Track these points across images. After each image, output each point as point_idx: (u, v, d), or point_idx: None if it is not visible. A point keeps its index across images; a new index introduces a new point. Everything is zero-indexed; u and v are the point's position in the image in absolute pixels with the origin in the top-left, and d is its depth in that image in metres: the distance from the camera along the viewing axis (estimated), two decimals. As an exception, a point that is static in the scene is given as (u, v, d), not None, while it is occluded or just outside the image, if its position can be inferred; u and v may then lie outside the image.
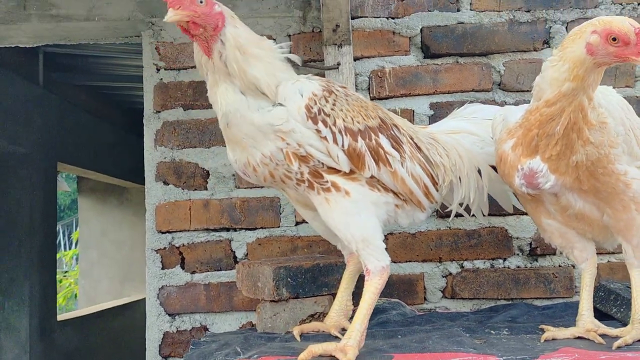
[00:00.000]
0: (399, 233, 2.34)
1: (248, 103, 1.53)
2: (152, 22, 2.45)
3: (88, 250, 8.35)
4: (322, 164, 1.55)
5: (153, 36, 2.44)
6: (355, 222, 1.56)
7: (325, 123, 1.54)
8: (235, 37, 1.53)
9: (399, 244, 2.35)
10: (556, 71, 1.44)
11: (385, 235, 2.30)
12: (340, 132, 1.56)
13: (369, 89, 2.39)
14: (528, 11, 2.38)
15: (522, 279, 2.31)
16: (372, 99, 2.39)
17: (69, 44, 2.70)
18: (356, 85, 2.39)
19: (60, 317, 6.60)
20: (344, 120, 1.57)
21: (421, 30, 2.39)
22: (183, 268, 2.38)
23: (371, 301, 1.54)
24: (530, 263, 2.33)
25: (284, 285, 1.92)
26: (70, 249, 14.12)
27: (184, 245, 2.38)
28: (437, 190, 1.73)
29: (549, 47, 2.36)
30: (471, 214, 1.90)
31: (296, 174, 1.55)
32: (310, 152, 1.53)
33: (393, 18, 2.41)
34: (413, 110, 2.38)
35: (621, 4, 2.36)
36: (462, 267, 2.33)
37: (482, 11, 2.39)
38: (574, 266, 2.29)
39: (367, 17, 2.40)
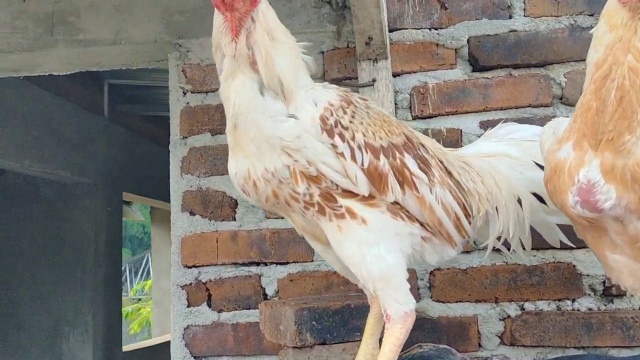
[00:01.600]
0: (448, 269, 2.06)
1: (265, 104, 1.30)
2: (179, 44, 2.32)
3: (160, 279, 8.40)
4: (337, 185, 1.33)
5: (180, 58, 2.31)
6: (373, 255, 1.32)
7: (342, 137, 1.31)
8: (267, 17, 1.31)
9: (448, 281, 2.07)
10: (596, 31, 1.25)
11: (431, 272, 2.05)
12: (359, 147, 1.33)
13: (410, 107, 2.15)
14: (591, 15, 2.08)
15: (595, 324, 1.97)
16: (414, 118, 2.15)
17: (102, 70, 2.61)
18: (396, 104, 2.16)
19: (125, 347, 6.59)
20: (364, 134, 1.34)
21: (468, 40, 2.14)
22: (209, 306, 2.19)
23: (391, 355, 1.29)
24: (605, 305, 1.98)
25: (308, 330, 1.69)
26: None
27: (210, 280, 2.20)
28: (470, 223, 1.47)
29: (619, 53, 2.05)
30: (510, 250, 1.61)
31: (304, 195, 1.33)
32: (323, 171, 1.31)
33: (436, 29, 2.17)
34: (461, 130, 2.12)
35: None
36: (522, 308, 2.02)
37: (538, 17, 2.11)
38: (656, 308, 1.93)
39: (406, 28, 2.18)
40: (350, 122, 1.34)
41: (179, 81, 2.31)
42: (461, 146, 2.09)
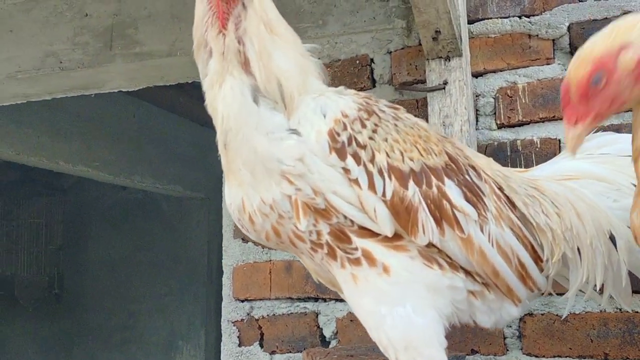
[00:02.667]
0: (543, 315, 1.64)
1: (259, 117, 1.02)
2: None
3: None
4: (351, 221, 1.01)
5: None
6: (397, 316, 0.99)
7: (357, 158, 1.00)
8: (263, 3, 1.06)
9: (543, 330, 1.64)
10: None
11: (521, 318, 1.65)
12: (381, 172, 1.00)
13: (494, 113, 1.76)
14: None
15: None
16: (499, 127, 1.75)
17: (169, 84, 2.46)
18: (477, 110, 1.77)
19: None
20: (387, 154, 1.02)
21: (569, 28, 1.72)
22: (262, 346, 1.93)
23: None
24: None
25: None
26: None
27: (263, 317, 1.94)
28: (542, 270, 1.08)
29: None
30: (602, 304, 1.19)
31: (310, 234, 1.03)
32: (333, 203, 1.00)
33: (528, 16, 1.76)
34: (559, 140, 1.69)
35: None
36: (641, 370, 1.55)
37: (662, -8, 1.64)
38: None
39: (490, 18, 1.79)
40: (370, 138, 1.02)
41: (234, 93, 2.08)
42: (560, 160, 1.67)
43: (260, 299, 1.94)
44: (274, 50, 1.03)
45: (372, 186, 0.99)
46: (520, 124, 1.73)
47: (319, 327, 1.87)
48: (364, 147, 1.00)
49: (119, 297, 5.77)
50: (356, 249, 1.01)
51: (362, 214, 1.00)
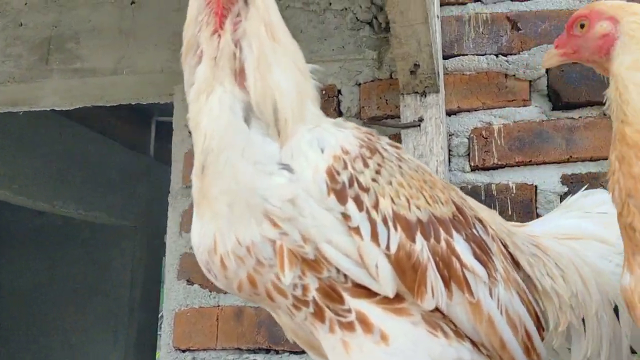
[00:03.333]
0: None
1: (248, 141, 0.88)
2: (187, 74, 1.92)
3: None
4: (345, 276, 0.85)
5: (187, 91, 1.91)
6: (396, 396, 0.83)
7: (359, 203, 0.85)
8: (267, 3, 0.93)
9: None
10: None
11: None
12: (385, 220, 0.86)
13: (468, 154, 1.66)
14: None
15: None
16: (473, 170, 1.65)
17: (107, 105, 2.24)
18: (450, 150, 1.67)
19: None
20: (392, 200, 0.87)
21: (547, 70, 1.64)
22: (204, 404, 1.72)
23: None
24: None
25: None
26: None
27: (208, 370, 1.73)
28: (543, 339, 0.96)
29: None
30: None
31: (294, 288, 0.86)
32: (326, 254, 0.85)
33: (505, 55, 1.68)
34: (536, 187, 1.60)
35: None
36: None
37: (643, 39, 1.59)
38: None
39: (466, 54, 1.70)
40: (374, 180, 0.87)
41: (184, 118, 1.89)
42: (536, 208, 1.58)
43: (205, 350, 1.74)
44: (274, 61, 0.89)
45: (375, 237, 0.84)
46: (495, 167, 1.64)
47: (270, 382, 1.68)
48: (366, 190, 0.85)
49: (30, 329, 5.33)
50: (349, 310, 0.85)
51: (361, 268, 0.85)
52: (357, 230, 0.84)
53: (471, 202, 1.02)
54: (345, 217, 0.84)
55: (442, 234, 0.88)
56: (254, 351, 1.71)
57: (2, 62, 2.09)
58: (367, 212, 0.85)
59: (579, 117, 1.61)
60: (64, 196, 4.50)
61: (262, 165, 0.86)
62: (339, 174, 0.85)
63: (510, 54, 1.68)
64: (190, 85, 0.94)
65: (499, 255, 0.95)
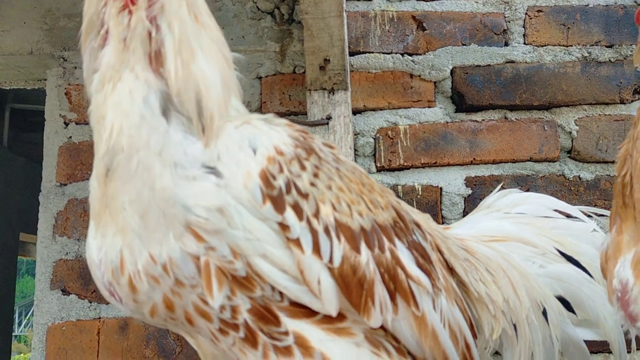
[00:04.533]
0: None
1: (167, 140, 0.73)
2: (64, 57, 1.70)
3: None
4: (281, 294, 0.74)
5: (63, 76, 1.69)
6: None
7: (299, 211, 0.74)
8: None
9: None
10: None
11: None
12: (327, 230, 0.75)
13: (374, 155, 1.61)
14: (610, 46, 1.62)
15: None
16: (379, 170, 1.60)
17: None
18: (355, 150, 1.61)
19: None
20: (334, 207, 0.77)
21: (452, 71, 1.63)
22: None
23: None
24: None
25: None
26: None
27: (87, 391, 1.54)
28: (477, 347, 0.93)
29: (644, 97, 1.59)
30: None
31: (222, 311, 0.74)
32: (259, 270, 0.73)
33: (411, 54, 1.65)
34: (441, 188, 1.58)
35: None
36: None
37: (542, 46, 1.63)
38: None
39: (372, 52, 1.65)
40: (312, 184, 0.77)
41: (59, 107, 1.68)
42: (441, 210, 1.56)
43: (84, 369, 1.54)
44: (198, 46, 0.76)
45: (317, 249, 0.74)
46: (401, 169, 1.60)
47: (160, 401, 1.53)
48: (305, 196, 0.75)
49: None
50: (287, 333, 0.75)
51: (300, 285, 0.74)
52: (296, 242, 0.73)
53: (405, 205, 0.95)
54: (283, 227, 0.73)
55: (386, 243, 0.80)
56: (142, 368, 1.54)
57: None
58: (308, 221, 0.74)
59: (482, 119, 1.61)
60: None
61: (183, 168, 0.73)
62: (274, 178, 0.74)
63: (416, 54, 1.64)
64: (92, 72, 0.78)
65: (438, 263, 0.89)
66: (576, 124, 1.59)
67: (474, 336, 0.93)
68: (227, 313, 0.74)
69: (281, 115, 1.57)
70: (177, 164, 0.72)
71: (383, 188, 0.90)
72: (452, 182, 1.58)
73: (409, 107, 1.63)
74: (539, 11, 1.63)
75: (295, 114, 1.62)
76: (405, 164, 1.60)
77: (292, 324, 0.75)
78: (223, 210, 0.71)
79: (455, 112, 1.63)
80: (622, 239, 0.80)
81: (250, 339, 0.75)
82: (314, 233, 0.74)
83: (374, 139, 1.61)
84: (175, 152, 0.72)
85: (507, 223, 1.10)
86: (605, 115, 1.59)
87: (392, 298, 0.79)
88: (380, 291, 0.77)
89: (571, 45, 1.62)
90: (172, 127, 0.73)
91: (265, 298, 0.74)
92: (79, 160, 1.65)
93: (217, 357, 0.83)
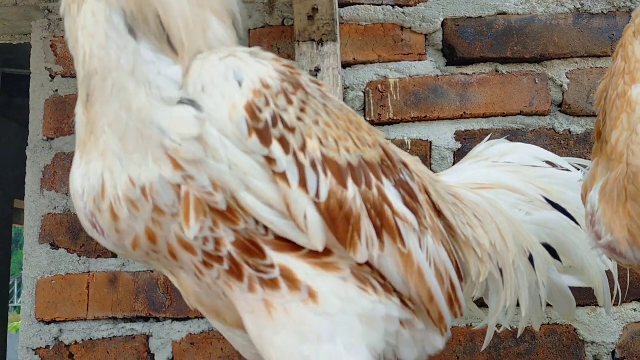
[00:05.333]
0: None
1: (137, 57, 0.72)
2: (48, 9, 1.67)
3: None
4: (265, 228, 0.74)
5: (48, 28, 1.66)
6: (323, 357, 0.74)
7: (286, 145, 0.74)
8: None
9: (409, 347, 1.51)
10: None
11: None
12: (314, 165, 0.75)
13: (364, 109, 1.59)
14: (603, -3, 1.60)
15: (601, 407, 1.48)
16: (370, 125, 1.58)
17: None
18: (345, 103, 1.59)
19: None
20: (321, 142, 0.76)
21: (443, 23, 1.61)
22: (74, 380, 1.53)
23: None
24: (615, 383, 1.49)
25: None
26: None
27: (76, 342, 1.54)
28: (463, 291, 0.93)
29: (635, 50, 1.57)
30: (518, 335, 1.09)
31: (205, 242, 0.73)
32: (244, 204, 0.72)
33: (401, 6, 1.62)
34: (430, 142, 1.57)
35: None
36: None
37: (535, -3, 1.61)
38: (685, 390, 1.46)
39: (362, 4, 1.62)
40: (299, 119, 0.76)
41: (45, 60, 1.66)
42: (430, 164, 1.56)
43: (74, 320, 1.55)
44: None
45: (303, 183, 0.73)
46: (391, 123, 1.59)
47: (150, 352, 1.53)
48: (292, 130, 0.74)
49: None
50: (272, 266, 0.74)
51: (286, 220, 0.74)
52: (283, 176, 0.73)
53: (393, 146, 0.94)
54: (270, 160, 0.72)
55: (374, 180, 0.80)
56: (132, 320, 1.55)
57: None
58: (295, 155, 0.74)
59: (473, 73, 1.59)
60: None
61: (158, 88, 0.71)
62: (260, 111, 0.72)
63: (407, 6, 1.62)
64: None
65: (426, 204, 0.89)
66: (567, 77, 1.58)
67: (461, 279, 0.94)
68: (211, 245, 0.73)
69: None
70: (151, 83, 0.71)
71: (371, 127, 0.89)
72: (442, 136, 1.57)
73: (400, 61, 1.61)
74: (532, -38, 1.61)
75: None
76: (395, 118, 1.58)
77: (278, 258, 0.75)
78: (203, 139, 0.70)
79: (446, 65, 1.61)
80: (597, 170, 0.82)
81: (236, 272, 0.75)
82: (300, 167, 0.73)
83: (364, 92, 1.60)
84: (147, 71, 0.71)
85: (495, 171, 1.10)
86: (597, 68, 1.58)
87: (379, 234, 0.79)
88: (366, 226, 0.77)
89: (564, -3, 1.60)
90: (142, 46, 0.72)
91: (250, 231, 0.74)
92: (66, 113, 1.63)
93: (200, 296, 0.83)
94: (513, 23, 1.60)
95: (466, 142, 1.56)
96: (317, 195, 0.74)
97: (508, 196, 1.05)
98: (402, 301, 0.83)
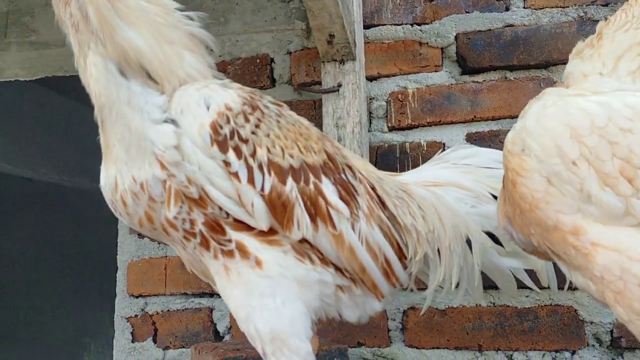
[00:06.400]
0: (423, 308, 1.73)
1: (130, 92, 1.02)
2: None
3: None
4: (227, 213, 1.03)
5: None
6: (265, 309, 1.02)
7: (239, 152, 1.01)
8: None
9: (424, 323, 1.73)
10: None
11: (404, 312, 1.73)
12: (260, 167, 1.03)
13: (386, 116, 1.84)
14: (605, 5, 1.72)
15: (603, 382, 1.61)
16: (390, 130, 1.83)
17: (68, 75, 2.40)
18: (370, 112, 1.84)
19: None
20: (268, 150, 1.04)
21: (456, 37, 1.81)
22: (155, 342, 1.92)
23: None
24: (612, 358, 1.61)
25: (234, 385, 1.41)
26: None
27: (157, 313, 1.93)
28: (405, 267, 1.15)
29: (639, 51, 1.68)
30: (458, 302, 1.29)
31: (183, 222, 1.04)
32: (210, 194, 1.02)
33: (419, 24, 1.85)
34: (444, 144, 1.78)
35: None
36: (511, 359, 1.67)
37: (540, 8, 1.76)
38: (680, 369, 1.55)
39: (385, 24, 1.87)
40: (253, 133, 1.04)
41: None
42: (445, 163, 1.76)
43: (155, 295, 1.94)
44: (117, 21, 1.01)
45: (251, 180, 1.02)
46: (410, 128, 1.81)
47: (212, 322, 1.89)
48: (245, 141, 1.02)
49: (22, 292, 5.54)
50: (230, 241, 1.03)
51: (239, 207, 1.02)
52: (236, 175, 1.01)
53: (346, 152, 1.19)
54: (226, 163, 1.01)
55: (312, 178, 1.06)
56: (199, 295, 1.91)
57: (-34, 37, 2.24)
58: (245, 159, 1.02)
59: (483, 80, 1.78)
60: (46, 163, 4.66)
61: (147, 112, 1.01)
62: (221, 127, 1.01)
63: (424, 24, 1.84)
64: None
65: (365, 196, 1.13)
66: (570, 80, 1.71)
67: (404, 257, 1.17)
68: (187, 224, 1.04)
69: (307, 84, 1.87)
70: (142, 109, 1.01)
71: (322, 137, 1.15)
72: (454, 137, 1.77)
73: (418, 72, 1.83)
74: (538, -24, 1.77)
75: (318, 83, 1.88)
76: (413, 123, 1.81)
77: (234, 235, 1.03)
78: (179, 147, 1.00)
79: (461, 74, 1.81)
80: None
81: (205, 244, 1.05)
82: (249, 168, 1.02)
83: (387, 102, 1.84)
84: (138, 101, 1.01)
85: (449, 171, 1.30)
86: (599, 70, 1.70)
87: (313, 220, 1.05)
88: (299, 213, 1.03)
89: (568, 7, 1.74)
90: (132, 83, 1.01)
91: (215, 215, 1.03)
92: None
93: (192, 262, 1.14)
94: (520, 33, 1.76)
95: (477, 143, 1.75)
96: (262, 189, 1.02)
97: (456, 192, 1.26)
98: (340, 271, 1.09)
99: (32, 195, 5.67)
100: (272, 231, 1.04)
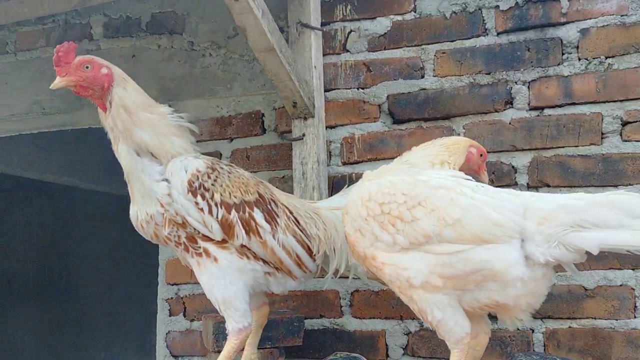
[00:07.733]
0: (364, 290, 2.47)
1: (143, 165, 1.78)
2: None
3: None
4: (198, 231, 1.80)
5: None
6: (219, 285, 1.80)
7: (203, 196, 1.78)
8: (121, 97, 1.74)
9: (364, 300, 2.46)
10: None
11: (351, 293, 2.47)
12: (216, 205, 1.79)
13: (341, 154, 2.57)
14: (488, 73, 2.39)
15: (487, 342, 2.28)
16: (343, 164, 2.56)
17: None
18: (329, 152, 2.58)
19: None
20: (221, 194, 1.80)
21: (387, 97, 2.53)
22: (185, 316, 2.74)
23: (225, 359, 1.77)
24: (491, 326, 2.29)
25: (224, 339, 2.18)
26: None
27: (186, 296, 2.75)
28: (314, 260, 1.89)
29: (512, 107, 2.35)
30: (350, 278, 2.04)
31: (174, 237, 1.81)
32: (188, 221, 1.78)
33: (362, 88, 2.57)
34: (379, 174, 2.50)
35: (587, 59, 2.27)
36: (421, 325, 2.37)
37: (444, 77, 2.45)
38: (532, 330, 2.22)
39: (339, 88, 2.60)
40: (212, 185, 1.81)
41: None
42: (381, 187, 2.48)
43: (185, 283, 2.75)
44: (133, 127, 1.77)
45: (210, 212, 1.79)
46: (356, 162, 2.54)
47: (223, 301, 2.68)
48: (207, 190, 1.80)
49: (101, 287, 6.44)
50: (200, 247, 1.81)
51: (205, 227, 1.80)
52: (202, 209, 1.78)
53: (275, 192, 1.95)
54: (196, 203, 1.78)
55: (247, 209, 1.82)
56: (213, 283, 2.70)
57: (52, 100, 3.12)
58: (207, 200, 1.79)
59: (406, 128, 2.49)
60: (120, 179, 5.54)
61: (152, 176, 1.79)
62: (193, 183, 1.79)
63: (366, 88, 2.56)
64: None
65: (284, 217, 1.88)
66: (464, 128, 2.40)
67: (311, 254, 1.91)
68: (176, 238, 1.82)
69: (286, 132, 2.62)
70: (150, 174, 1.80)
71: (259, 183, 1.92)
72: (386, 169, 2.49)
73: (362, 122, 2.56)
74: (443, 53, 2.46)
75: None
76: (358, 159, 2.54)
77: (203, 243, 1.81)
78: (170, 194, 1.78)
79: (392, 124, 2.52)
80: None
81: (187, 249, 1.83)
82: (209, 206, 1.79)
83: (341, 144, 2.58)
84: (148, 169, 1.79)
85: (345, 199, 2.03)
86: (483, 121, 2.38)
87: (247, 233, 1.81)
88: (238, 230, 1.80)
89: (462, 75, 2.42)
90: (144, 159, 1.80)
91: (192, 232, 1.81)
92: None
93: (182, 258, 1.94)
94: (430, 95, 2.46)
95: (401, 173, 2.46)
96: (217, 217, 1.79)
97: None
98: (267, 264, 1.85)
99: (109, 206, 6.48)
100: (223, 241, 1.82)
